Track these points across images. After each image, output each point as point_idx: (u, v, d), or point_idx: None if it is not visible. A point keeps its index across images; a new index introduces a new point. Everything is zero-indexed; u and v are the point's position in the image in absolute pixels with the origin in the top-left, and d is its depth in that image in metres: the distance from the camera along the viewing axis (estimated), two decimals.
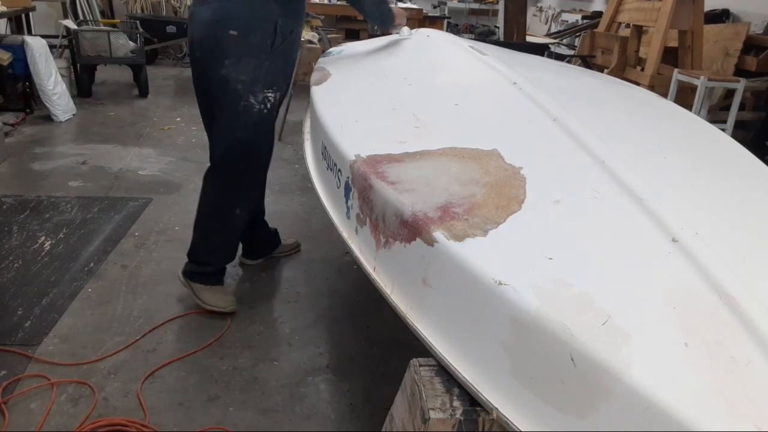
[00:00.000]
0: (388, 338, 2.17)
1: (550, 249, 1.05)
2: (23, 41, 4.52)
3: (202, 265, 2.23)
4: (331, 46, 3.24)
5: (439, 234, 1.11)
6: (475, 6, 10.48)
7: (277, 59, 2.05)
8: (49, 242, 2.73)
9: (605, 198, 1.18)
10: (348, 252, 1.62)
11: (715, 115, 4.54)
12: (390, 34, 2.60)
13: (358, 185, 1.41)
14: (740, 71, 4.74)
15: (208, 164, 2.19)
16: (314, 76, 2.26)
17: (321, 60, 2.61)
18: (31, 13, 5.56)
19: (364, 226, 1.40)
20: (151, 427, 1.70)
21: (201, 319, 2.22)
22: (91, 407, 1.75)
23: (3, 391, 1.78)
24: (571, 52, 7.15)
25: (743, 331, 0.88)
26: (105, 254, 2.65)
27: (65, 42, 5.63)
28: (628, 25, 5.39)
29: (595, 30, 5.89)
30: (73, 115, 4.85)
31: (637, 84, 3.83)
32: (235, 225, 2.21)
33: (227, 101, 2.03)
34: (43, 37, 4.90)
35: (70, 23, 5.80)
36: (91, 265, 2.55)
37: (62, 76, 4.93)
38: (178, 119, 5.00)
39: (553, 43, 7.41)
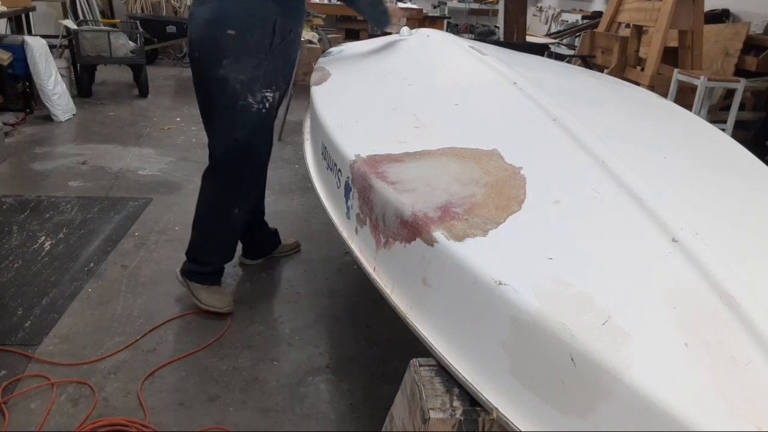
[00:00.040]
0: (388, 338, 2.17)
1: (550, 249, 1.05)
2: (23, 41, 4.52)
3: (201, 264, 2.23)
4: (331, 46, 3.25)
5: (439, 234, 1.11)
6: (475, 6, 10.48)
7: (276, 59, 2.05)
8: (49, 242, 2.73)
9: (605, 198, 1.18)
10: (348, 252, 1.62)
11: (715, 115, 4.54)
12: (388, 33, 2.60)
13: (358, 185, 1.41)
14: (740, 71, 4.74)
15: (208, 163, 2.19)
16: (314, 76, 2.26)
17: (321, 60, 2.61)
18: (31, 13, 5.56)
19: (364, 226, 1.40)
20: (151, 427, 1.70)
21: (201, 319, 2.22)
22: (91, 407, 1.75)
23: (3, 391, 1.78)
24: (571, 52, 7.15)
25: (743, 331, 0.88)
26: (105, 254, 2.65)
27: (65, 42, 5.63)
28: (628, 25, 5.39)
29: (595, 30, 5.89)
30: (73, 115, 4.85)
31: (637, 84, 3.83)
32: (234, 225, 2.21)
33: (226, 101, 2.03)
34: (43, 37, 4.90)
35: (70, 23, 5.80)
36: (91, 265, 2.55)
37: (62, 76, 4.93)
38: (178, 119, 5.01)
39: (553, 43, 7.41)
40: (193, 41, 2.07)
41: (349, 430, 1.76)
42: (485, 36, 8.68)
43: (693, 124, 1.85)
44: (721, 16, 5.55)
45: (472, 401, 1.03)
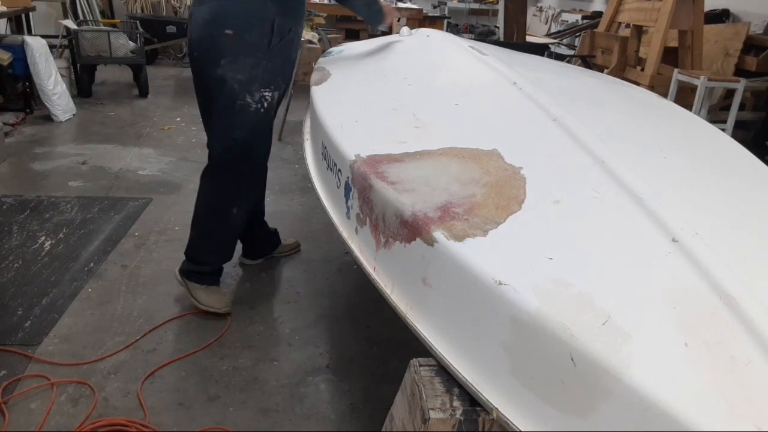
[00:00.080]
0: (388, 338, 2.17)
1: (550, 249, 1.05)
2: (23, 41, 4.52)
3: (200, 264, 2.23)
4: (331, 46, 3.25)
5: (439, 234, 1.11)
6: (475, 6, 10.48)
7: (275, 58, 2.05)
8: (49, 242, 2.73)
9: (605, 198, 1.18)
10: (348, 252, 1.62)
11: (715, 115, 4.54)
12: (385, 33, 2.60)
13: (358, 185, 1.41)
14: (740, 71, 4.74)
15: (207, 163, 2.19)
16: (314, 76, 2.26)
17: (321, 60, 2.61)
18: (31, 13, 5.56)
19: (364, 226, 1.40)
20: (151, 427, 1.70)
21: (201, 320, 2.22)
22: (91, 407, 1.75)
23: (3, 391, 1.78)
24: (571, 52, 7.15)
25: (743, 331, 0.88)
26: (105, 254, 2.65)
27: (65, 42, 5.63)
28: (628, 25, 5.39)
29: (595, 30, 5.89)
30: (73, 115, 4.85)
31: (637, 84, 3.83)
32: (232, 225, 2.21)
33: (224, 100, 2.03)
34: (43, 37, 4.90)
35: (70, 23, 5.80)
36: (91, 265, 2.55)
37: (62, 76, 4.93)
38: (178, 119, 5.01)
39: (553, 43, 7.41)
40: (192, 41, 2.07)
41: (349, 430, 1.76)
42: (485, 36, 8.68)
43: (693, 124, 1.85)
44: (721, 16, 5.55)
45: (472, 401, 1.03)
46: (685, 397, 0.81)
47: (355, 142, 1.54)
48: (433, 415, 1.01)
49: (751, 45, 4.84)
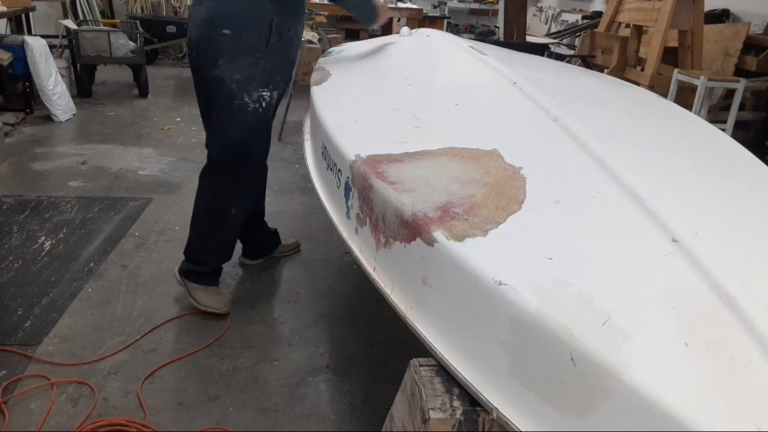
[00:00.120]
0: (388, 338, 2.17)
1: (550, 249, 1.05)
2: (23, 41, 4.52)
3: (199, 264, 2.23)
4: (331, 46, 3.25)
5: (439, 234, 1.11)
6: (475, 6, 10.48)
7: (273, 58, 2.04)
8: (49, 242, 2.73)
9: (605, 198, 1.18)
10: (348, 252, 1.62)
11: (715, 115, 4.54)
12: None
13: (358, 185, 1.41)
14: (740, 71, 4.74)
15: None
16: (314, 76, 2.26)
17: (321, 60, 2.61)
18: (31, 13, 5.56)
19: (364, 226, 1.40)
20: (151, 427, 1.70)
21: (201, 320, 2.22)
22: (91, 407, 1.75)
23: (3, 391, 1.78)
24: (571, 52, 7.15)
25: (743, 331, 0.88)
26: (105, 254, 2.65)
27: (65, 42, 5.63)
28: (628, 25, 5.39)
29: (595, 30, 5.89)
30: (73, 115, 4.85)
31: (637, 84, 3.83)
32: (231, 225, 2.21)
33: (222, 100, 2.03)
34: (43, 37, 4.90)
35: (70, 23, 5.80)
36: (91, 265, 2.55)
37: (62, 76, 4.93)
38: (178, 119, 5.01)
39: (553, 43, 7.41)
40: (190, 41, 2.07)
41: (349, 430, 1.76)
42: (485, 36, 8.68)
43: (693, 124, 1.85)
44: (721, 16, 5.55)
45: (472, 401, 1.03)
46: (685, 397, 0.81)
47: (355, 142, 1.54)
48: (433, 415, 1.01)
49: (751, 45, 4.84)
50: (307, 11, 2.33)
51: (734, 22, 5.46)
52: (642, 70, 4.90)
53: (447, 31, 4.52)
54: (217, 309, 2.22)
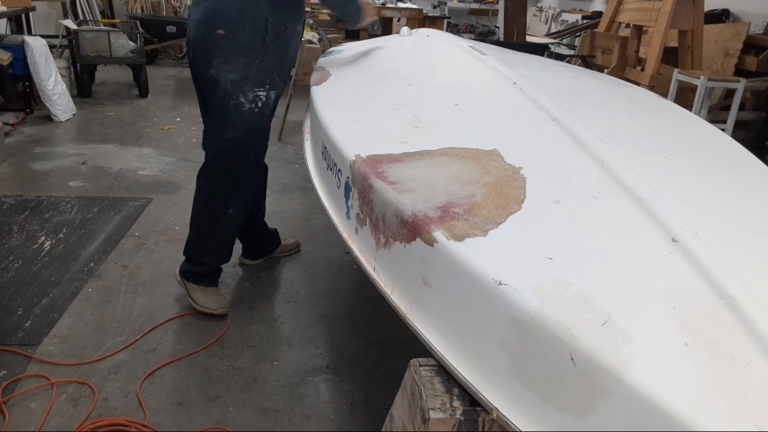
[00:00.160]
0: (388, 338, 2.17)
1: (550, 249, 1.05)
2: (23, 41, 4.52)
3: (197, 265, 2.23)
4: (331, 46, 3.24)
5: (439, 234, 1.11)
6: (475, 6, 10.48)
7: (270, 57, 2.03)
8: (49, 242, 2.73)
9: (605, 198, 1.18)
10: (348, 252, 1.62)
11: (715, 115, 4.54)
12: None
13: (358, 185, 1.41)
14: (740, 71, 4.74)
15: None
16: (314, 76, 2.26)
17: (321, 60, 2.61)
18: (31, 13, 5.56)
19: (364, 226, 1.40)
20: (151, 427, 1.70)
21: (201, 320, 2.22)
22: (91, 407, 1.75)
23: (3, 391, 1.78)
24: (571, 52, 7.15)
25: (743, 331, 0.88)
26: (105, 254, 2.65)
27: (65, 42, 5.64)
28: (628, 25, 5.39)
29: (595, 30, 5.89)
30: (73, 115, 4.86)
31: (637, 84, 3.83)
32: (229, 225, 2.20)
33: (217, 100, 2.03)
34: (43, 37, 4.90)
35: (70, 23, 5.80)
36: (91, 265, 2.55)
37: (62, 76, 4.93)
38: (178, 119, 5.01)
39: (553, 43, 7.42)
40: (188, 42, 2.08)
41: (349, 430, 1.76)
42: (485, 36, 8.68)
43: (693, 124, 1.85)
44: (721, 16, 5.55)
45: (472, 401, 1.03)
46: (685, 397, 0.81)
47: (355, 142, 1.54)
48: (433, 415, 1.00)
49: (751, 45, 4.84)
50: (308, 10, 2.32)
51: (734, 22, 5.46)
52: (642, 70, 4.90)
53: (447, 31, 4.52)
54: (214, 310, 2.21)
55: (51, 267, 2.52)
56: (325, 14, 6.43)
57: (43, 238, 2.76)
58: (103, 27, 6.33)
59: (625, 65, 5.14)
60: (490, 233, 1.10)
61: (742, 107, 4.52)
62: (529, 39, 6.69)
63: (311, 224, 3.11)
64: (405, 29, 2.62)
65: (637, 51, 5.14)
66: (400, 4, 6.84)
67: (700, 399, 0.80)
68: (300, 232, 2.96)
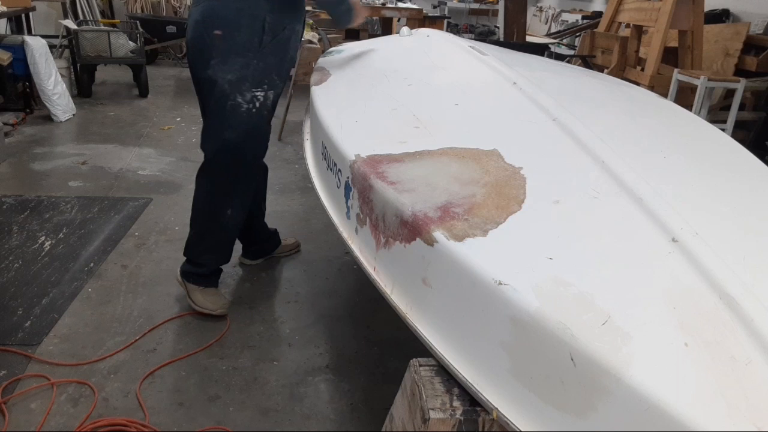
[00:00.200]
0: (388, 338, 2.17)
1: (550, 249, 1.05)
2: (23, 41, 4.52)
3: (197, 265, 2.23)
4: (331, 46, 3.24)
5: (439, 234, 1.11)
6: (475, 6, 10.48)
7: (268, 57, 2.02)
8: (49, 242, 2.73)
9: (605, 198, 1.18)
10: (348, 252, 1.62)
11: (715, 115, 4.54)
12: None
13: (358, 185, 1.41)
14: (740, 71, 4.74)
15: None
16: (314, 76, 2.26)
17: (321, 60, 2.61)
18: (31, 13, 5.56)
19: (364, 226, 1.40)
20: (151, 427, 1.70)
21: (201, 320, 2.22)
22: (91, 407, 1.75)
23: (3, 391, 1.78)
24: (571, 52, 7.15)
25: (743, 331, 0.88)
26: (105, 254, 2.65)
27: (65, 42, 5.64)
28: (628, 25, 5.39)
29: (595, 30, 5.89)
30: (73, 115, 4.86)
31: (637, 84, 3.83)
32: (227, 225, 2.20)
33: (215, 101, 2.03)
34: (43, 37, 4.90)
35: (70, 23, 5.80)
36: (91, 265, 2.55)
37: (62, 76, 4.93)
38: (178, 119, 5.01)
39: (553, 43, 7.42)
40: (187, 43, 2.09)
41: (349, 430, 1.76)
42: (485, 36, 8.68)
43: (693, 124, 1.85)
44: (721, 16, 5.55)
45: (472, 401, 1.03)
46: (685, 397, 0.81)
47: (355, 142, 1.54)
48: (433, 415, 1.00)
49: (751, 45, 4.84)
50: (309, 10, 2.31)
51: (734, 22, 5.46)
52: (642, 70, 4.90)
53: (447, 31, 4.52)
54: (212, 310, 2.21)
55: (51, 267, 2.52)
56: (325, 14, 6.41)
57: (43, 238, 2.76)
58: (103, 27, 6.33)
59: (625, 65, 5.14)
60: (490, 233, 1.10)
61: (742, 107, 4.52)
62: (529, 39, 6.69)
63: (311, 224, 3.11)
64: (405, 29, 2.62)
65: (637, 51, 5.14)
66: (400, 4, 6.84)
67: (700, 399, 0.80)
68: (300, 232, 2.96)
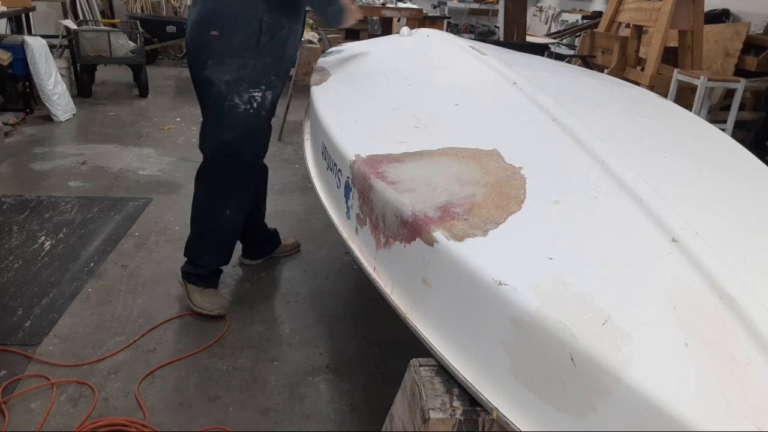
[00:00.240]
0: (388, 338, 2.17)
1: (550, 249, 1.05)
2: (23, 41, 4.52)
3: (197, 266, 2.23)
4: (331, 46, 3.24)
5: (439, 234, 1.11)
6: (475, 6, 10.48)
7: (265, 57, 2.01)
8: (49, 242, 2.73)
9: (605, 198, 1.18)
10: (348, 252, 1.62)
11: (715, 115, 4.54)
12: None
13: (358, 185, 1.41)
14: (740, 71, 4.74)
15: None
16: (314, 76, 2.26)
17: (321, 60, 2.61)
18: (31, 13, 5.56)
19: (364, 226, 1.40)
20: (151, 427, 1.70)
21: (201, 320, 2.22)
22: (91, 407, 1.75)
23: (3, 391, 1.78)
24: (571, 52, 7.15)
25: (743, 331, 0.88)
26: (105, 254, 2.65)
27: (65, 42, 5.64)
28: (628, 25, 5.39)
29: (595, 30, 5.89)
30: (73, 115, 4.86)
31: (637, 84, 3.83)
32: (227, 226, 2.19)
33: (212, 102, 2.03)
34: (43, 37, 4.91)
35: (70, 23, 5.80)
36: (91, 265, 2.55)
37: (62, 76, 4.93)
38: (178, 119, 5.01)
39: (553, 43, 7.42)
40: (185, 43, 2.09)
41: (349, 430, 1.76)
42: (485, 36, 8.68)
43: (693, 124, 1.85)
44: (721, 16, 5.55)
45: (472, 401, 1.03)
46: (685, 397, 0.81)
47: (355, 142, 1.54)
48: (433, 415, 1.00)
49: (751, 45, 4.84)
50: (309, 9, 2.30)
51: (734, 22, 5.46)
52: (642, 70, 4.90)
53: (447, 31, 4.52)
54: (210, 311, 2.21)
55: (51, 267, 2.52)
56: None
57: (43, 238, 2.76)
58: (103, 27, 6.33)
59: (625, 65, 5.14)
60: (490, 233, 1.10)
61: (742, 107, 4.52)
62: (529, 39, 6.70)
63: (311, 224, 3.11)
64: (405, 29, 2.62)
65: (637, 51, 5.14)
66: (400, 4, 6.84)
67: (700, 399, 0.80)
68: (300, 232, 2.96)
